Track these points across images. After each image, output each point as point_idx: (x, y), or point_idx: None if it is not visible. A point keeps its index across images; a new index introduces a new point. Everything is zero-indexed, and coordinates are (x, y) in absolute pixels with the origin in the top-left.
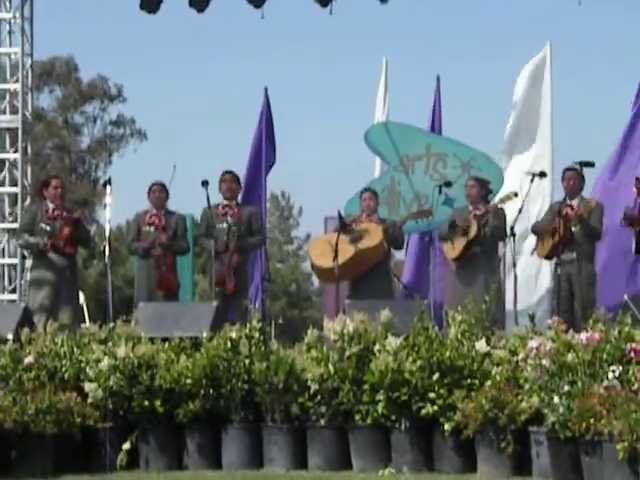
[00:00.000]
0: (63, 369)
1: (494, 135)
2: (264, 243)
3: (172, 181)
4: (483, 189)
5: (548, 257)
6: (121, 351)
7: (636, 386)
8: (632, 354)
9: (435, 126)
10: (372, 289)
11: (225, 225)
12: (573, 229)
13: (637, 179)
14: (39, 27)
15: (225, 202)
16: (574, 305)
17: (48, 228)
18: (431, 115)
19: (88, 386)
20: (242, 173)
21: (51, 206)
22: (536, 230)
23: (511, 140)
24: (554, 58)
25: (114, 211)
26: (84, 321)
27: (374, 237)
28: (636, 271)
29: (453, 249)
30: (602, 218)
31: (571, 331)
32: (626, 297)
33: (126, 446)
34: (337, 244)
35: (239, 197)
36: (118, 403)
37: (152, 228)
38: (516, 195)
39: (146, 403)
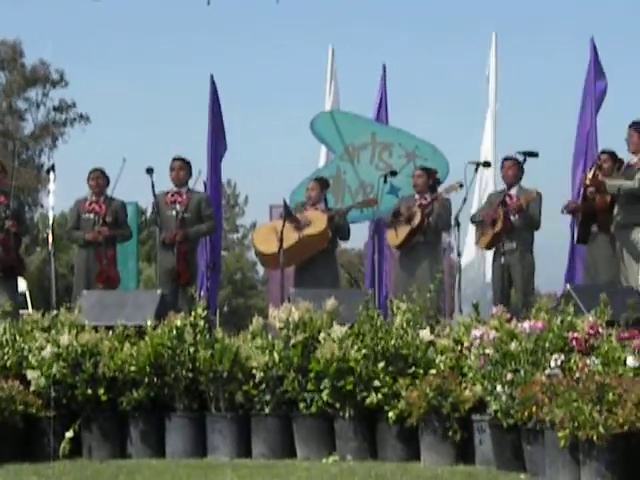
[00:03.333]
0: (5, 357)
1: (439, 124)
2: (215, 230)
3: (121, 174)
4: (430, 178)
5: (488, 247)
6: (64, 339)
7: (577, 375)
8: (574, 343)
9: (381, 115)
10: (317, 278)
11: (174, 213)
12: (512, 219)
13: (585, 174)
14: None
15: (175, 189)
16: (511, 295)
17: None
18: (377, 104)
19: (31, 374)
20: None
21: None
22: (475, 220)
23: None
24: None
25: (58, 197)
26: (27, 308)
27: (318, 224)
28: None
29: (396, 237)
30: (541, 207)
31: (514, 320)
32: (568, 287)
33: (69, 434)
34: (282, 231)
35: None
36: (61, 391)
37: (92, 215)
38: (461, 186)
39: (89, 391)
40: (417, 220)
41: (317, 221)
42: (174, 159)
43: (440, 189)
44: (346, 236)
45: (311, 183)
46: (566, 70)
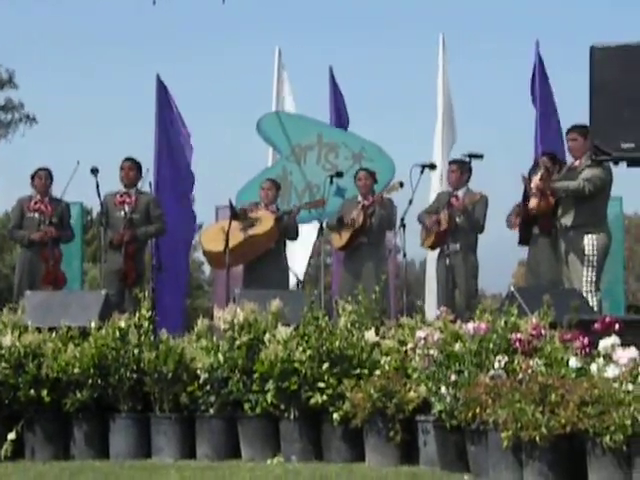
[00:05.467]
0: None
1: (392, 126)
2: (163, 231)
3: (73, 177)
4: (374, 180)
5: (432, 247)
6: (7, 340)
7: (521, 376)
8: (517, 344)
9: (341, 117)
10: (266, 278)
11: (122, 214)
12: (457, 220)
13: (523, 177)
14: None
15: (124, 190)
16: (455, 296)
17: None
18: (330, 106)
19: None
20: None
21: None
22: (421, 220)
23: None
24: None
25: (2, 197)
26: None
27: (265, 224)
28: None
29: (340, 238)
30: (486, 210)
31: (459, 321)
32: (512, 288)
33: (11, 436)
34: (228, 230)
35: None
36: (3, 392)
37: (37, 214)
38: (402, 185)
39: (32, 392)
40: (359, 221)
41: (264, 221)
42: (124, 159)
43: (382, 189)
44: (294, 236)
45: (267, 183)
46: (516, 70)
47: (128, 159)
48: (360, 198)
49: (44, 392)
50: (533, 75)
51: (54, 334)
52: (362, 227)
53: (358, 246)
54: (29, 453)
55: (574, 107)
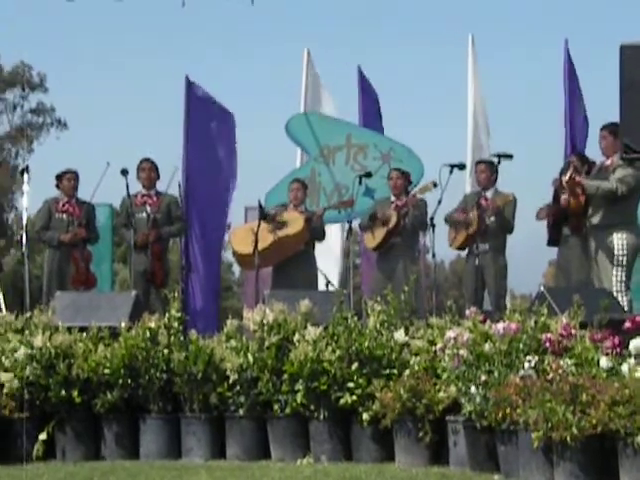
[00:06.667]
0: None
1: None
2: (184, 231)
3: (103, 177)
4: (406, 180)
5: (461, 248)
6: (38, 340)
7: (551, 376)
8: (547, 344)
9: (367, 117)
10: (295, 279)
11: (144, 214)
12: (487, 221)
13: (555, 179)
14: None
15: (144, 191)
16: (483, 297)
17: None
18: (359, 106)
19: (4, 376)
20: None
21: None
22: (449, 220)
23: None
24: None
25: (33, 199)
26: (0, 310)
27: (295, 226)
28: None
29: (373, 239)
30: (515, 211)
31: (488, 321)
32: (542, 288)
33: (42, 436)
34: (257, 231)
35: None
36: (35, 393)
37: (65, 216)
38: (435, 185)
39: (63, 393)
40: (393, 222)
41: (294, 222)
42: (143, 160)
43: (415, 189)
44: (321, 237)
45: (295, 184)
46: (545, 70)
47: (147, 160)
48: (393, 198)
49: (75, 392)
50: (565, 73)
51: (84, 335)
52: (396, 227)
53: (391, 246)
54: (60, 453)
55: (604, 106)
